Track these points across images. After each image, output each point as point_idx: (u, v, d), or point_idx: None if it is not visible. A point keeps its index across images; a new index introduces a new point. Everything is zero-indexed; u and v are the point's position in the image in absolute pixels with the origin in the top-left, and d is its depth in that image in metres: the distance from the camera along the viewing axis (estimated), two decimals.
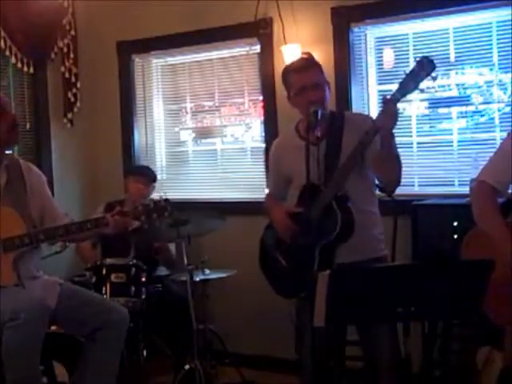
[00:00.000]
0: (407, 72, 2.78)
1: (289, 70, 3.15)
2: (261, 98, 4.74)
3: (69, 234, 3.21)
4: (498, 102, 4.07)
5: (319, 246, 2.99)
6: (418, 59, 2.81)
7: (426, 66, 2.76)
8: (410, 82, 2.77)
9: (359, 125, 3.06)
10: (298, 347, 3.26)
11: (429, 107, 4.25)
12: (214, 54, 4.92)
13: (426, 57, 2.80)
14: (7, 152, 3.45)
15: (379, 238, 3.16)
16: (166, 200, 3.19)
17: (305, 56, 3.29)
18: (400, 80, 2.81)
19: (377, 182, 3.15)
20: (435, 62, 2.78)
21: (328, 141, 3.03)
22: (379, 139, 2.86)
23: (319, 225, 2.95)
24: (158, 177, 5.21)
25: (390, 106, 2.80)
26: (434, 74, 2.78)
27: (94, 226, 3.19)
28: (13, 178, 3.30)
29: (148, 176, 4.60)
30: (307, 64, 3.12)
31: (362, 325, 2.98)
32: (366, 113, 4.36)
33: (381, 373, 3.06)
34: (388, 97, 2.82)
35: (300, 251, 3.09)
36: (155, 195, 4.37)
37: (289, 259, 3.20)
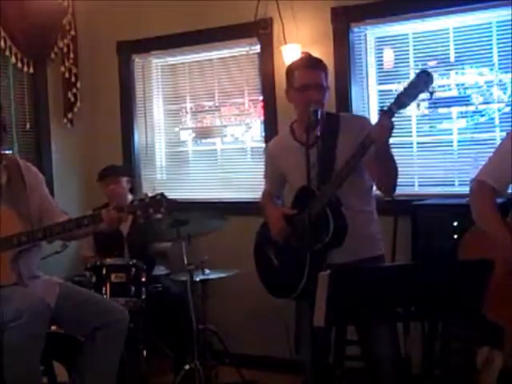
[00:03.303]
0: (405, 85, 2.76)
1: (296, 65, 3.14)
2: (261, 98, 4.74)
3: (66, 232, 3.20)
4: (498, 102, 4.07)
5: (311, 250, 2.99)
6: (416, 72, 2.78)
7: (424, 80, 2.73)
8: (407, 95, 2.74)
9: (355, 127, 3.07)
10: (298, 347, 3.26)
11: (429, 107, 4.25)
12: (214, 54, 4.93)
13: (425, 70, 2.78)
14: (6, 152, 3.46)
15: (375, 237, 3.15)
16: (162, 195, 3.17)
17: (316, 56, 3.28)
18: (398, 92, 2.78)
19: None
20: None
21: (323, 142, 3.02)
22: (375, 148, 2.85)
23: (312, 230, 2.94)
24: (158, 177, 5.24)
25: (385, 118, 2.78)
26: (431, 89, 2.74)
27: (91, 222, 3.19)
28: (13, 177, 3.30)
29: (112, 174, 4.57)
30: (316, 64, 3.12)
31: (361, 325, 2.98)
32: (366, 113, 4.37)
33: (381, 373, 3.06)
34: (384, 109, 2.80)
35: (292, 253, 3.09)
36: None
37: (281, 259, 3.20)
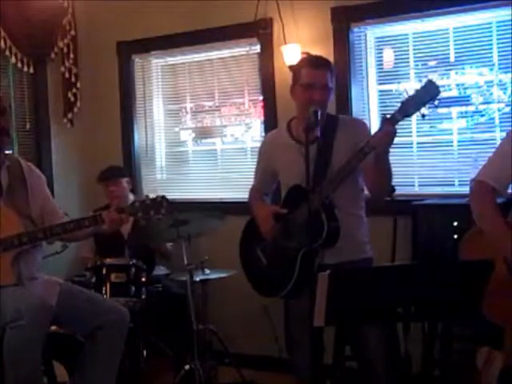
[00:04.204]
0: (410, 94, 2.73)
1: (304, 62, 3.15)
2: (261, 98, 4.74)
3: (67, 232, 3.20)
4: (498, 102, 4.07)
5: (302, 250, 2.99)
6: (423, 81, 2.75)
7: (430, 90, 2.70)
8: (411, 105, 2.72)
9: (353, 130, 3.07)
10: (289, 347, 3.26)
11: (429, 107, 4.23)
12: (214, 54, 4.93)
13: (431, 80, 2.75)
14: (7, 152, 3.46)
15: (364, 240, 3.16)
16: (163, 197, 3.19)
17: (324, 56, 3.28)
18: (402, 100, 2.76)
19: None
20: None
21: (320, 143, 3.02)
22: (374, 154, 2.84)
23: (304, 231, 2.94)
24: (158, 177, 5.24)
25: (388, 126, 2.76)
26: (436, 102, 2.71)
27: (92, 223, 3.19)
28: (14, 178, 3.30)
29: (112, 176, 4.57)
30: (323, 63, 3.11)
31: (356, 326, 2.97)
32: (366, 113, 4.37)
33: (378, 373, 3.05)
34: (387, 116, 2.78)
35: (282, 252, 3.09)
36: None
37: (270, 258, 3.20)
